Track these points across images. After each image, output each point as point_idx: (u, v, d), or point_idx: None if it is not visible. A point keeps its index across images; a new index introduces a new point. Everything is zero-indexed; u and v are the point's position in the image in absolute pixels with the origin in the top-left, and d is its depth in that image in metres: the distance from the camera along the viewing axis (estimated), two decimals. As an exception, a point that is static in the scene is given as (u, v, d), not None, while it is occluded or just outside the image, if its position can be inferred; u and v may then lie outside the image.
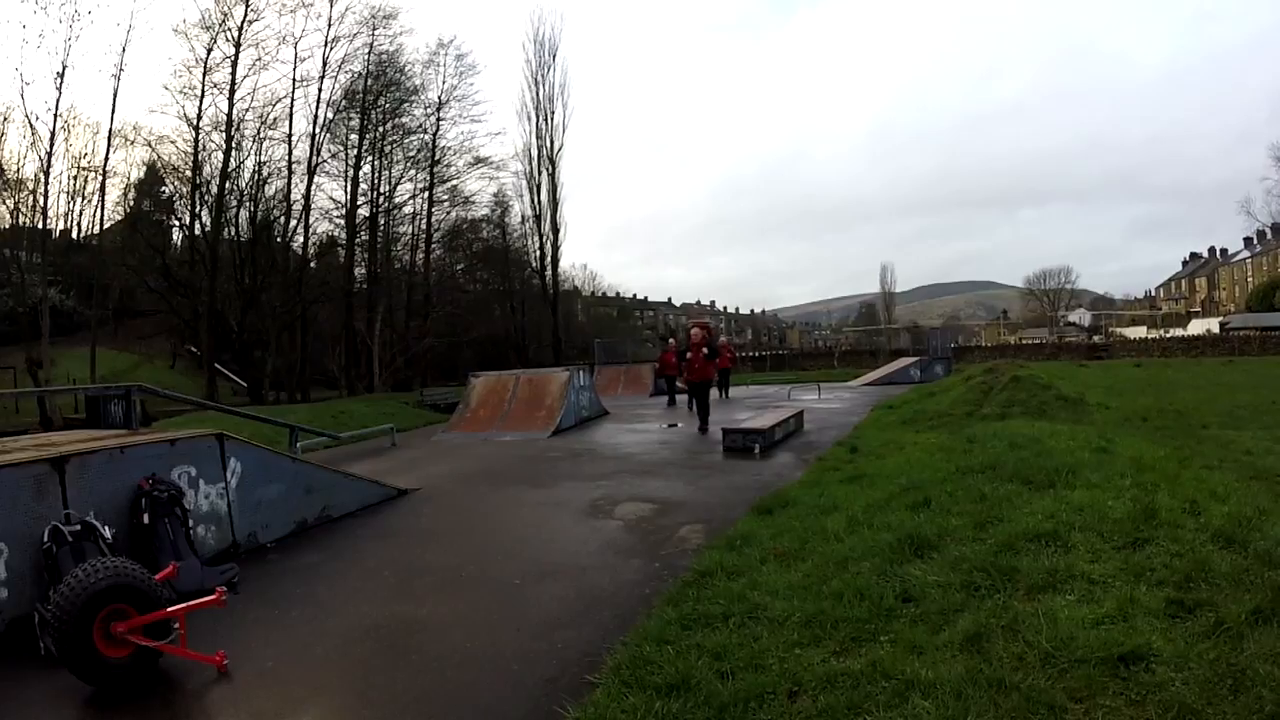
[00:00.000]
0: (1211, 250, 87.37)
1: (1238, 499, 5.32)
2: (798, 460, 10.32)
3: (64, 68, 28.64)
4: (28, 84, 32.35)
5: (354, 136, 34.88)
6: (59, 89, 28.77)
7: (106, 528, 4.98)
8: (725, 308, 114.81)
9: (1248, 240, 76.52)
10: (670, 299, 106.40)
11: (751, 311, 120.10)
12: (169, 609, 4.08)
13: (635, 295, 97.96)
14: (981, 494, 5.98)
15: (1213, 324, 61.61)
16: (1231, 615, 3.35)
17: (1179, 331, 59.98)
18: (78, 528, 4.82)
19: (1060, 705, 2.90)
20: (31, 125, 28.84)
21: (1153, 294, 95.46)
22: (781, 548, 5.46)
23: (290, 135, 32.87)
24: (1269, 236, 70.82)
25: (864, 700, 3.09)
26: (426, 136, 37.56)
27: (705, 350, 14.00)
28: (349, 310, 34.99)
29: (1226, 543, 4.31)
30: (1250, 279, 74.72)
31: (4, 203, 29.89)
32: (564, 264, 55.75)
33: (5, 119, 29.20)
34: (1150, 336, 59.44)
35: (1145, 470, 6.39)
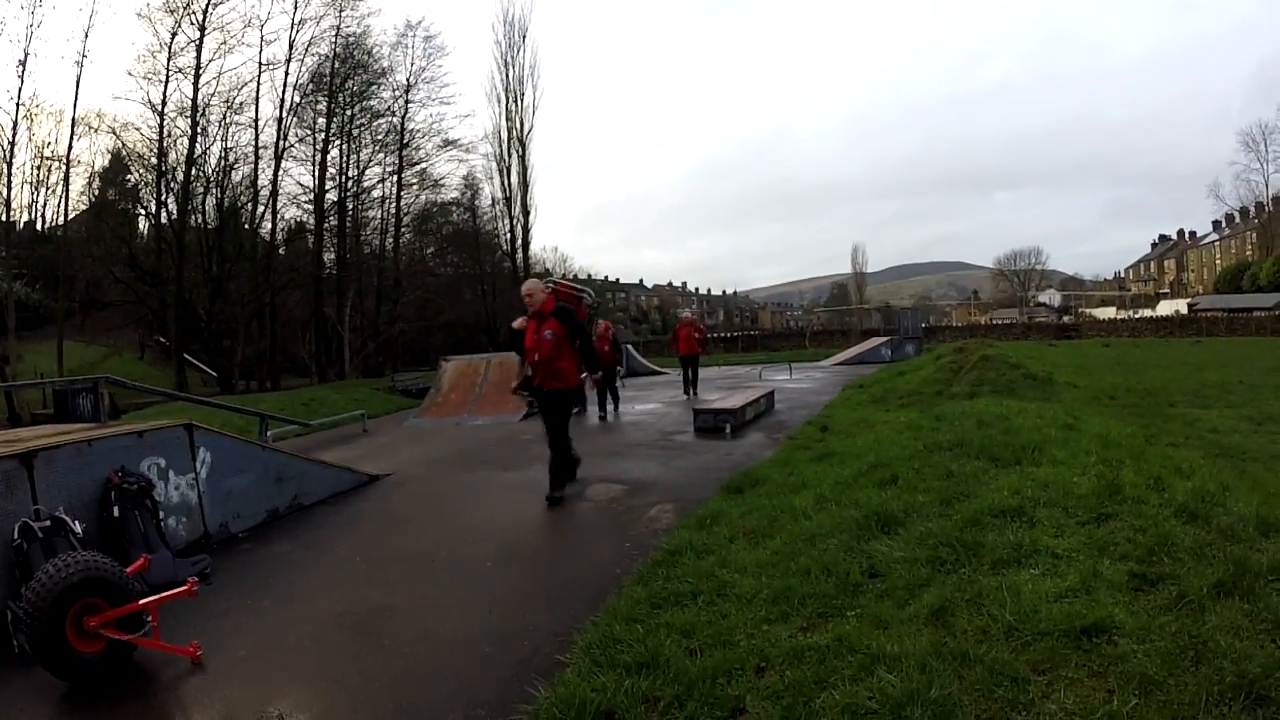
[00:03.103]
0: (1180, 233, 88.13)
1: (1202, 475, 5.38)
2: (768, 439, 10.39)
3: (26, 55, 28.08)
4: (-11, 74, 31.69)
5: (321, 120, 34.53)
6: (21, 77, 28.19)
7: (77, 522, 4.93)
8: (697, 289, 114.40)
9: (1216, 224, 77.36)
10: (642, 280, 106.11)
11: (724, 293, 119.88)
12: (141, 601, 4.06)
13: (607, 277, 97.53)
14: (949, 471, 6.04)
15: (1181, 305, 62.42)
16: (1193, 588, 3.38)
17: (1148, 312, 60.71)
18: (48, 523, 4.77)
19: (1023, 677, 2.93)
20: (-8, 115, 28.31)
21: (1122, 275, 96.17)
22: (750, 526, 5.51)
23: (257, 120, 32.49)
24: (1237, 220, 71.70)
25: (830, 674, 3.12)
26: (395, 119, 37.19)
27: (565, 327, 7.49)
28: (318, 296, 34.69)
29: (1190, 518, 4.35)
30: (1218, 261, 75.55)
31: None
32: (536, 246, 55.43)
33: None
34: (1119, 317, 60.09)
35: (1111, 447, 6.46)
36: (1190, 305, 60.98)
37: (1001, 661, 3.04)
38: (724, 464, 8.64)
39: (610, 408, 14.90)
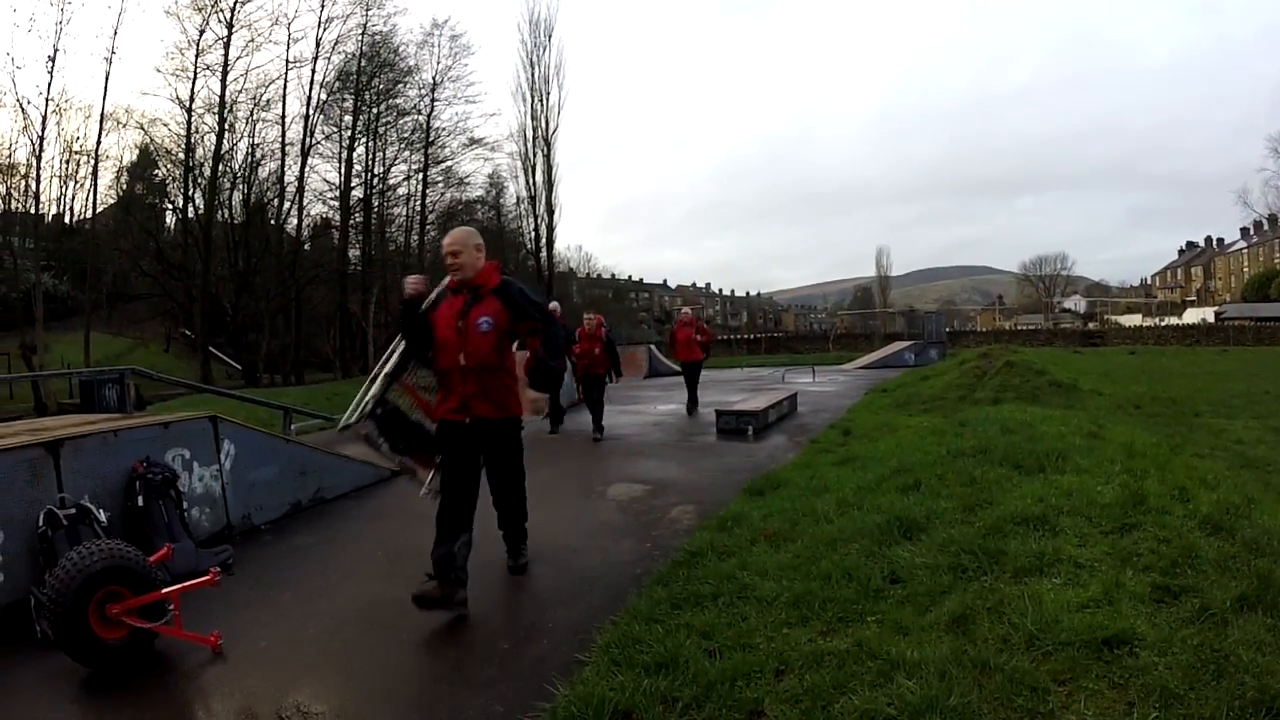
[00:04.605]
0: (1208, 240, 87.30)
1: (1227, 487, 5.34)
2: (790, 442, 10.35)
3: (55, 51, 28.58)
4: (19, 68, 32.36)
5: (347, 118, 34.93)
6: (50, 73, 28.77)
7: (101, 511, 4.98)
8: (720, 290, 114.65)
9: (1244, 231, 76.67)
10: (665, 280, 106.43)
11: (747, 294, 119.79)
12: (164, 590, 4.09)
13: (630, 277, 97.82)
14: (971, 477, 6.00)
15: (1208, 313, 61.85)
16: (1216, 601, 3.36)
17: (1174, 320, 60.26)
18: (72, 511, 4.82)
19: (1043, 687, 2.92)
20: (23, 110, 28.78)
21: (1148, 282, 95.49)
22: (772, 529, 5.48)
23: (283, 117, 32.96)
24: (1265, 227, 70.98)
25: (849, 679, 3.11)
26: (420, 117, 37.55)
27: (510, 313, 4.98)
28: (343, 292, 35.03)
29: (1214, 530, 4.31)
30: (1246, 269, 74.85)
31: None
32: (559, 245, 55.36)
33: (-2, 104, 29.11)
34: (1145, 324, 59.59)
35: (1135, 456, 6.40)
36: (1217, 313, 60.38)
37: (1022, 671, 3.02)
38: (746, 466, 8.60)
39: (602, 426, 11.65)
